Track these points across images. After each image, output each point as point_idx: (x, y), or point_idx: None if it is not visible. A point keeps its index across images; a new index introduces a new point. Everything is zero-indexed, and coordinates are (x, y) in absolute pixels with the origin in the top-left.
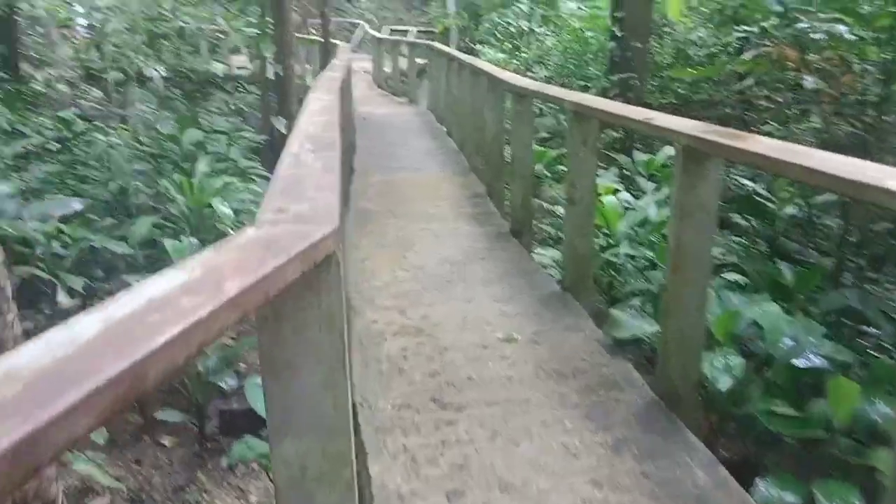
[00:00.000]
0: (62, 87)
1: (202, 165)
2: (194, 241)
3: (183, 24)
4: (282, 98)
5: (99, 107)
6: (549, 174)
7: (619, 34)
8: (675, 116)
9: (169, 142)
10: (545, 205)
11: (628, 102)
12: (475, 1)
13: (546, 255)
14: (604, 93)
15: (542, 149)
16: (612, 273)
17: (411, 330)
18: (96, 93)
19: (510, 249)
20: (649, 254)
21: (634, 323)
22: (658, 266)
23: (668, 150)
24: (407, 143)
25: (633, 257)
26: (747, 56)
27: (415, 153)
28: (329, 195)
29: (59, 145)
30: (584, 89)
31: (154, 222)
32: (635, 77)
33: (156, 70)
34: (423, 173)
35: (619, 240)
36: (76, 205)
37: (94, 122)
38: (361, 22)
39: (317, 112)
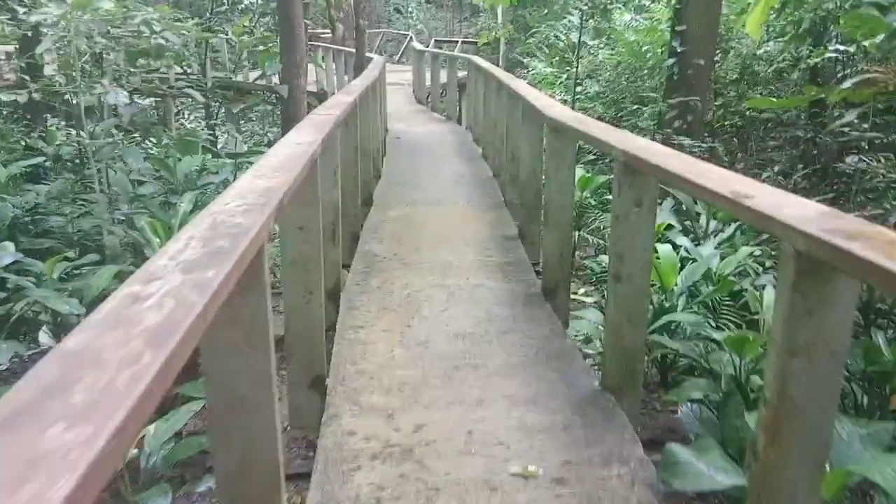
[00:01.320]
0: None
1: (185, 203)
2: None
3: (164, 42)
4: (286, 122)
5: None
6: (594, 203)
7: (679, 50)
8: (786, 196)
9: (162, 171)
10: (591, 238)
11: (688, 127)
12: (524, 12)
13: (586, 319)
14: (660, 117)
15: (588, 174)
16: (665, 345)
17: (396, 452)
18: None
19: (541, 319)
20: (715, 335)
21: (701, 469)
22: (722, 345)
23: None
24: (437, 169)
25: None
26: (848, 84)
27: (443, 181)
28: (100, 425)
29: (74, 163)
30: (637, 112)
31: (122, 271)
32: (696, 99)
33: (122, 95)
34: (449, 206)
35: (675, 300)
36: (6, 259)
37: (135, 135)
38: (409, 33)
39: (266, 170)
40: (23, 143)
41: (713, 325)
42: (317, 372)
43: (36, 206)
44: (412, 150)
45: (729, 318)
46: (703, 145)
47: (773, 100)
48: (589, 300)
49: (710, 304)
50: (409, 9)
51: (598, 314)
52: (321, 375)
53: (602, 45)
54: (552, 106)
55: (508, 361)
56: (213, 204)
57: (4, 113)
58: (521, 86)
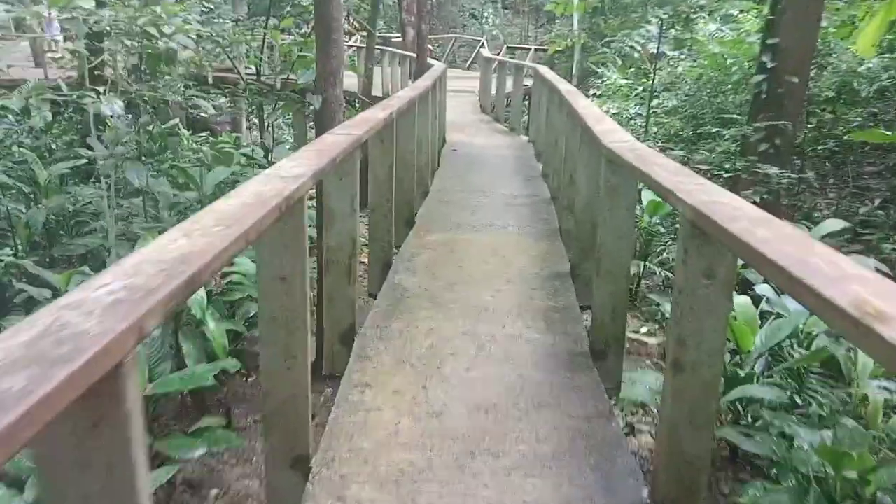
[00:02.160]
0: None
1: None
2: None
3: (173, 47)
4: (319, 135)
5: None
6: (664, 230)
7: (769, 65)
8: None
9: (190, 182)
10: (659, 270)
11: (776, 152)
12: (600, 20)
13: (642, 384)
14: (744, 140)
15: (658, 199)
16: (741, 427)
17: None
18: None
19: (585, 389)
20: (802, 432)
21: None
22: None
23: (831, 224)
24: (491, 187)
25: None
26: None
27: (496, 202)
28: None
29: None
30: (717, 135)
31: None
32: (788, 123)
33: (118, 104)
34: (497, 233)
35: (753, 366)
36: None
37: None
38: (482, 40)
39: (207, 221)
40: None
41: (798, 400)
42: (299, 451)
43: (79, 209)
44: (468, 164)
45: (817, 389)
46: (793, 176)
47: (887, 133)
48: (652, 341)
49: (797, 369)
50: (486, 14)
51: (657, 377)
52: (304, 455)
53: (682, 57)
54: (612, 132)
55: (537, 450)
56: (80, 288)
57: (64, 112)
58: (581, 103)
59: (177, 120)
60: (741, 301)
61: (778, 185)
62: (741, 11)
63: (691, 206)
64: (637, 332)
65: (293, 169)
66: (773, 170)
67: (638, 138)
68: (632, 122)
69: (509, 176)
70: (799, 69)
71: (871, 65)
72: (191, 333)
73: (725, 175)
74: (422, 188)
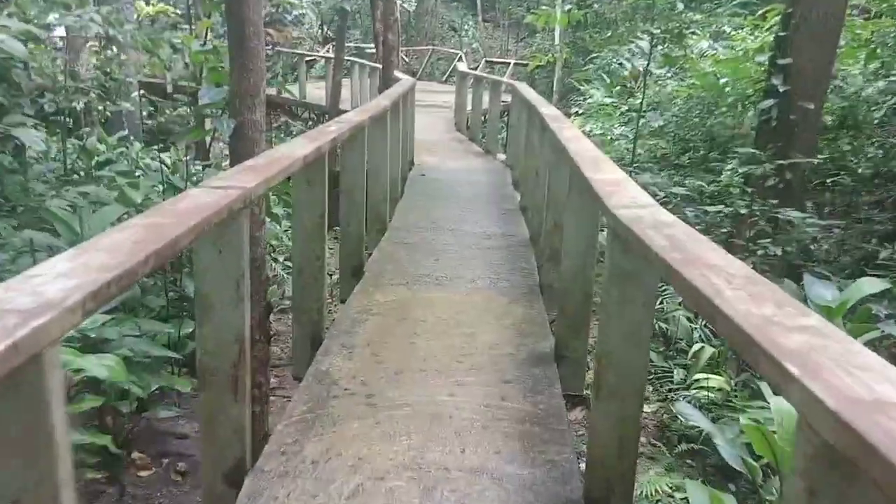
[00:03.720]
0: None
1: None
2: None
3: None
4: (233, 166)
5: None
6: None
7: (781, 88)
8: None
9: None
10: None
11: (786, 186)
12: (584, 34)
13: None
14: (747, 173)
15: None
16: None
17: None
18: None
19: None
20: None
21: None
22: None
23: (868, 286)
24: (460, 224)
25: None
26: None
27: (465, 244)
28: None
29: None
30: (706, 162)
31: None
32: (812, 160)
33: None
34: (464, 290)
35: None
36: None
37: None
38: (460, 53)
39: None
40: None
41: None
42: None
43: None
44: (436, 193)
45: None
46: (820, 222)
47: None
48: (646, 409)
49: None
50: (465, 27)
51: None
52: None
53: (669, 75)
54: (617, 186)
55: None
56: None
57: None
58: (570, 135)
59: (125, 132)
60: (781, 407)
61: (804, 233)
62: (735, 29)
63: (835, 414)
64: None
65: (58, 284)
66: (794, 213)
67: (622, 159)
68: (615, 142)
69: (482, 209)
70: (814, 93)
71: (879, 86)
72: None
73: (727, 211)
74: (377, 226)
